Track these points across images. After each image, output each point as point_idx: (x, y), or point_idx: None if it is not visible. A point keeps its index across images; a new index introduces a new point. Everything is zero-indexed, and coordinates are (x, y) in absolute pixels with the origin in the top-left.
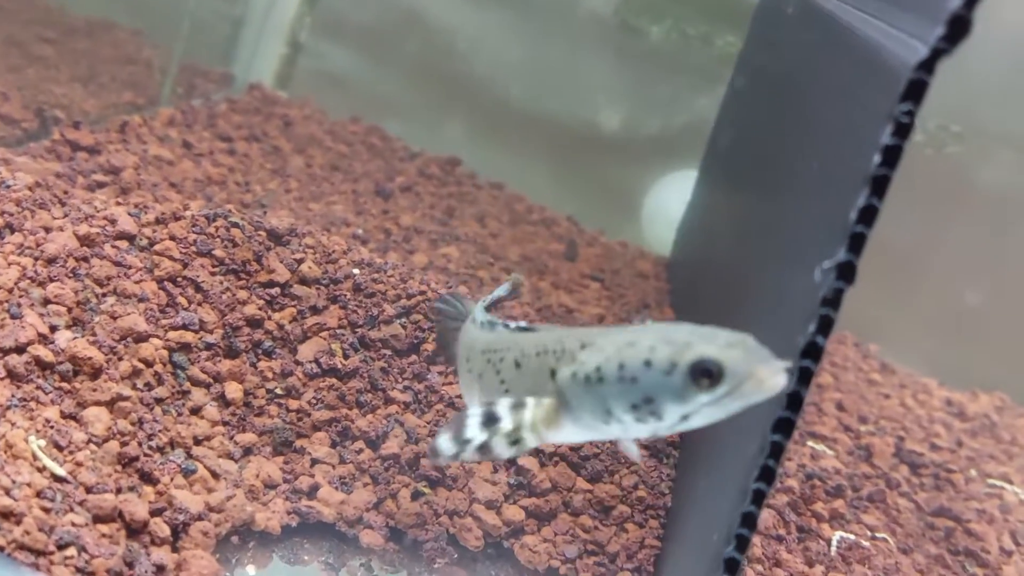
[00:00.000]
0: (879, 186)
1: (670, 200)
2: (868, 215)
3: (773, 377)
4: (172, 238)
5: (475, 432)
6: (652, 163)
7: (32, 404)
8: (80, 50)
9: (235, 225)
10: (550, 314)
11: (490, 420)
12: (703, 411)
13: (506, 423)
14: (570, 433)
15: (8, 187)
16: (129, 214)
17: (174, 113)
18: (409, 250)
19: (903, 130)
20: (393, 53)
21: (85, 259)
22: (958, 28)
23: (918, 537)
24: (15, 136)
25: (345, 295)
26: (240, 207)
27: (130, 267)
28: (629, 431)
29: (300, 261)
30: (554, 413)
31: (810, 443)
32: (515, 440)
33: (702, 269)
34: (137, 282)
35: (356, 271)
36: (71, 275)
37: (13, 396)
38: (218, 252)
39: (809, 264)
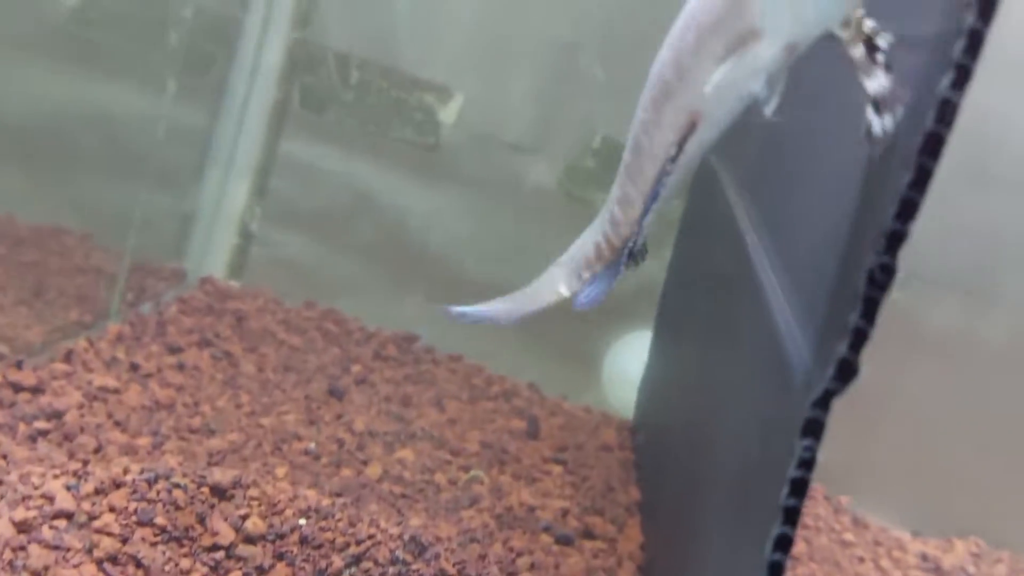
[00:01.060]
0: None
1: (629, 362)
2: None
3: None
4: (112, 509)
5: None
6: (608, 325)
7: None
8: (28, 264)
9: (177, 486)
10: (511, 518)
11: None
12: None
13: None
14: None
15: None
16: (67, 487)
17: (122, 328)
18: (363, 460)
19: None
20: (346, 235)
21: (22, 547)
22: (846, 372)
23: None
24: None
25: (292, 551)
26: (188, 434)
27: (68, 549)
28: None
29: (245, 517)
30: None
31: None
32: None
33: (664, 432)
34: (76, 566)
35: (302, 521)
36: (7, 568)
37: None
38: (160, 520)
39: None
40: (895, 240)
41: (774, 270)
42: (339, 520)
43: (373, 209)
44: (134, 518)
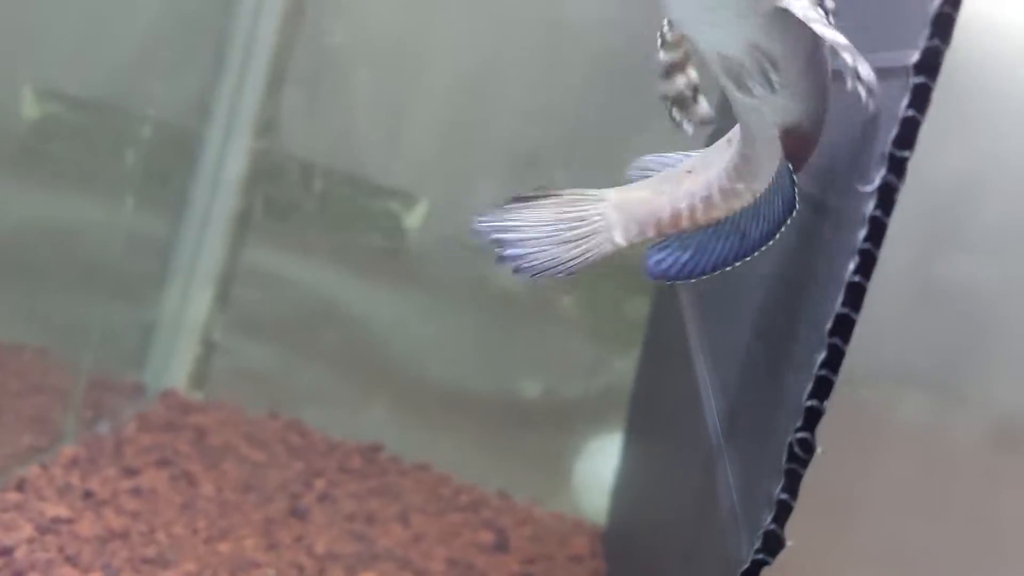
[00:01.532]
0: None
1: (600, 465)
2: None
3: None
4: None
5: None
6: (577, 428)
7: None
8: None
9: None
10: None
11: None
12: None
13: None
14: None
15: None
16: None
17: (78, 451)
18: None
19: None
20: (310, 344)
21: None
22: (772, 544)
23: None
24: None
25: None
26: (141, 565)
27: None
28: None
29: None
30: None
31: None
32: None
33: (633, 541)
34: None
35: None
36: None
37: None
38: None
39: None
40: (813, 417)
41: (713, 393)
42: None
43: (338, 316)
44: None
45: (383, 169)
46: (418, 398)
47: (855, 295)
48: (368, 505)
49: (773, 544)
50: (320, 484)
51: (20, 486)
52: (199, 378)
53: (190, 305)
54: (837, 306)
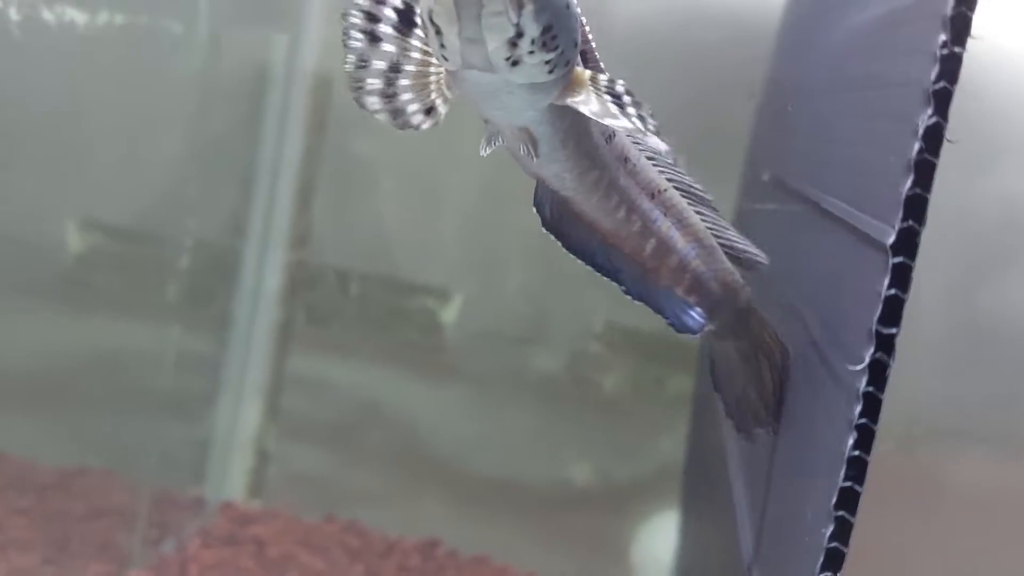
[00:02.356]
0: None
1: (658, 545)
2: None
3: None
4: None
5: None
6: (632, 509)
7: None
8: (53, 512)
9: None
10: None
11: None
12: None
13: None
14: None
15: None
16: None
17: None
18: None
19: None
20: (360, 445)
21: None
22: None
23: None
24: None
25: None
26: None
27: None
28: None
29: None
30: None
31: None
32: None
33: None
34: None
35: None
36: None
37: None
38: None
39: None
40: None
41: (743, 482)
42: None
43: (385, 415)
44: None
45: (416, 268)
46: (470, 490)
47: (856, 470)
48: None
49: None
50: None
51: None
52: (256, 487)
53: (242, 417)
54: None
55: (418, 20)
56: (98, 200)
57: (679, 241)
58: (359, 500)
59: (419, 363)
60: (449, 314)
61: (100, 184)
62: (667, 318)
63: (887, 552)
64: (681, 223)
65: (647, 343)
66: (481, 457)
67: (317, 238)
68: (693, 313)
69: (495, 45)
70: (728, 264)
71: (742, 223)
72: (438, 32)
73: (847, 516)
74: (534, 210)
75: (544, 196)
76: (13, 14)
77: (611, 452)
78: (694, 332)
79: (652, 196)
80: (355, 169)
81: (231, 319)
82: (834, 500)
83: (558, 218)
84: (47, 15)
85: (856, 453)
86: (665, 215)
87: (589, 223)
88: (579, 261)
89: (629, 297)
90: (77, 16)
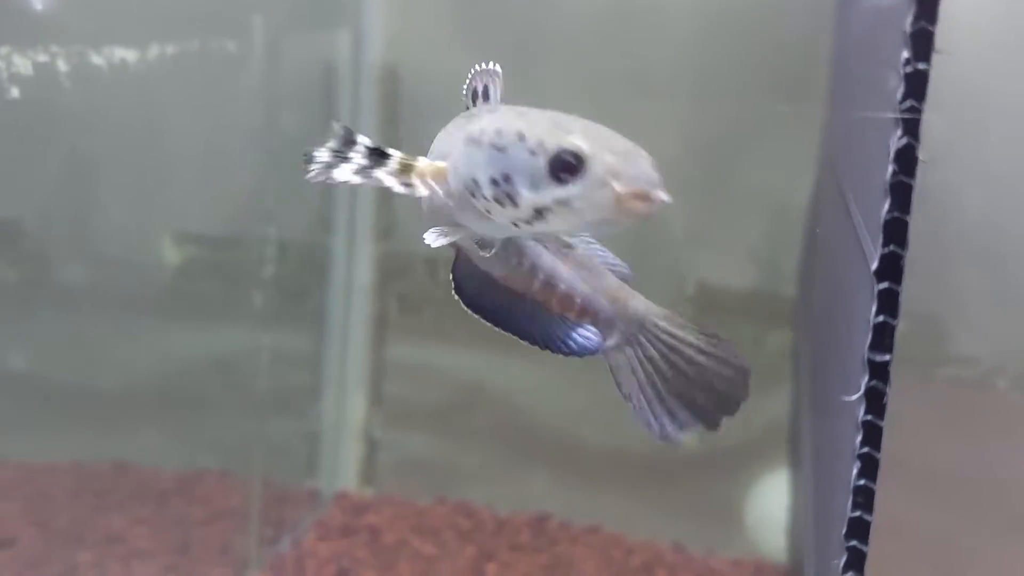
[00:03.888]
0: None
1: (772, 505)
2: None
3: (633, 200)
4: None
5: (360, 156)
6: (742, 471)
7: None
8: (173, 518)
9: None
10: None
11: (380, 154)
12: (556, 210)
13: (394, 160)
14: (450, 197)
15: None
16: None
17: None
18: None
19: None
20: (464, 426)
21: None
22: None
23: None
24: None
25: None
26: None
27: None
28: (491, 210)
29: None
30: (443, 170)
31: None
32: (402, 171)
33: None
34: None
35: None
36: None
37: None
38: None
39: None
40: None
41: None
42: None
43: (485, 394)
44: None
45: None
46: (577, 462)
47: (864, 498)
48: None
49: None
50: (492, 569)
51: None
52: (367, 475)
53: (347, 408)
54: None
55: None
56: (187, 214)
57: (563, 270)
58: (468, 480)
59: (513, 342)
60: None
61: (187, 199)
62: (565, 347)
63: (1011, 486)
64: (562, 253)
65: (741, 302)
66: (584, 429)
67: (401, 228)
68: (589, 333)
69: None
70: (613, 279)
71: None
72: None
73: (859, 545)
74: (453, 294)
75: (463, 277)
76: (94, 57)
77: None
78: (592, 351)
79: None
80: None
81: (327, 314)
82: (844, 531)
83: (476, 293)
84: (121, 53)
85: (862, 482)
86: (547, 249)
87: (494, 284)
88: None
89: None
90: (140, 53)
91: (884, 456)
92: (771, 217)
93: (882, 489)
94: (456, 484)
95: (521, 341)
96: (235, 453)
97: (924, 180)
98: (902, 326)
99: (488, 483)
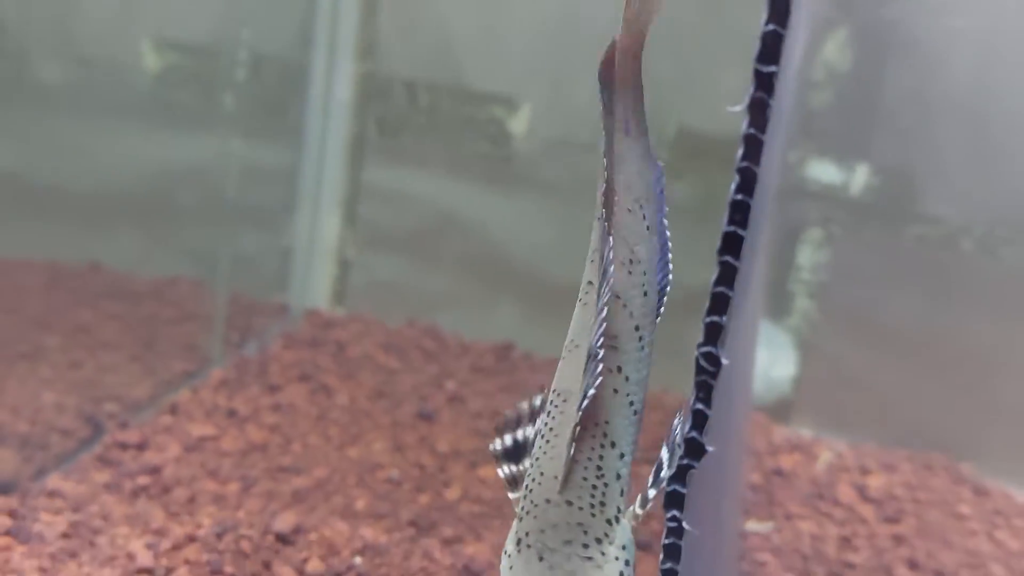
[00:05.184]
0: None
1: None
2: None
3: None
4: (186, 562)
5: None
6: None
7: None
8: (142, 318)
9: (243, 537)
10: None
11: None
12: None
13: None
14: None
15: (43, 539)
16: (147, 546)
17: (225, 373)
18: (444, 482)
19: None
20: (436, 253)
21: None
22: (696, 450)
23: None
24: (69, 449)
25: None
26: (277, 473)
27: None
28: None
29: (306, 560)
30: None
31: None
32: None
33: None
34: None
35: (358, 560)
36: None
37: None
38: (228, 568)
39: None
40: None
41: None
42: (393, 556)
43: (459, 223)
44: (206, 568)
45: (483, 77)
46: (544, 297)
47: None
48: (496, 402)
49: (696, 450)
50: (451, 385)
51: (172, 410)
52: (339, 295)
53: (321, 227)
54: None
55: None
56: (167, 18)
57: None
58: (437, 306)
59: (491, 173)
60: (518, 124)
61: (167, 3)
62: None
63: (968, 346)
64: None
65: (721, 150)
66: (554, 264)
67: (384, 48)
68: None
69: None
70: None
71: None
72: None
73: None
74: None
75: None
76: None
77: (685, 257)
78: None
79: None
80: None
81: (304, 131)
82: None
83: None
84: None
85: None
86: None
87: None
88: None
89: None
90: None
91: (843, 309)
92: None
93: (841, 343)
94: (425, 309)
95: None
96: (207, 262)
97: (914, 34)
98: (875, 180)
99: (457, 310)
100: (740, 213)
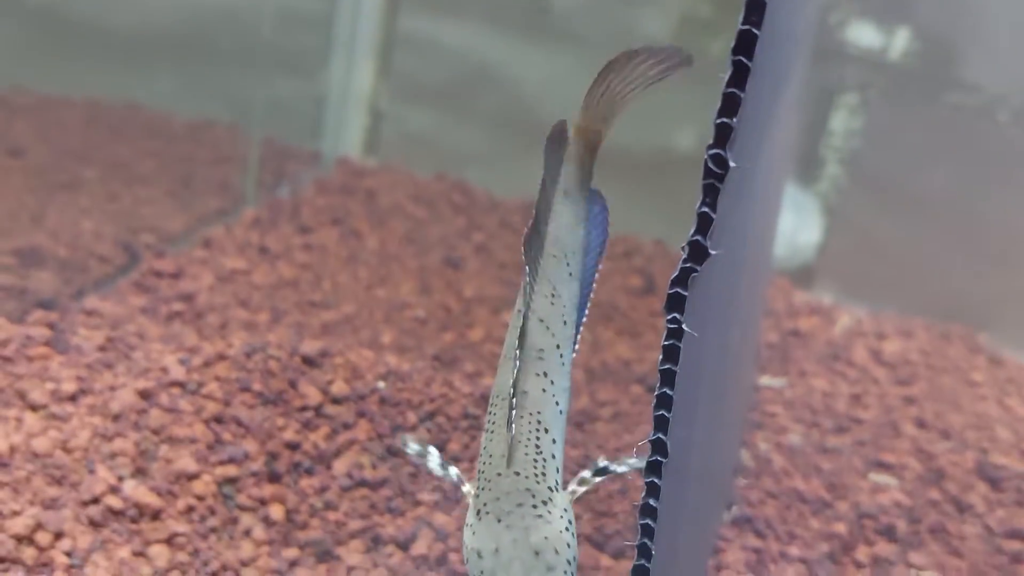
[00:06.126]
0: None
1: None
2: None
3: None
4: (217, 379)
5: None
6: None
7: (109, 546)
8: (179, 156)
9: (272, 357)
10: (604, 371)
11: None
12: None
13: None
14: None
15: (81, 351)
16: (180, 361)
17: (258, 213)
18: (468, 324)
19: None
20: (469, 107)
21: (144, 411)
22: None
23: (979, 569)
24: (107, 274)
25: (372, 409)
26: (307, 307)
27: (181, 412)
28: None
29: (331, 382)
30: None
31: (872, 476)
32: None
33: None
34: (188, 425)
35: (381, 384)
36: (133, 428)
37: (95, 540)
38: (256, 386)
39: None
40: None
41: None
42: (415, 382)
43: (494, 78)
44: (235, 385)
45: None
46: None
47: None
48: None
49: (699, 253)
50: (478, 237)
51: (206, 244)
52: (371, 145)
53: (355, 76)
54: None
55: None
56: None
57: None
58: (467, 161)
59: (528, 26)
60: None
61: None
62: None
63: (994, 217)
64: None
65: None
66: None
67: None
68: None
69: None
70: None
71: None
72: None
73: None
74: None
75: None
76: None
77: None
78: None
79: None
80: None
81: None
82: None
83: None
84: None
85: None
86: None
87: None
88: None
89: None
90: None
91: (873, 177)
92: None
93: (869, 211)
94: (456, 164)
95: None
96: (243, 105)
97: None
98: (915, 45)
99: (488, 167)
100: (756, 14)
